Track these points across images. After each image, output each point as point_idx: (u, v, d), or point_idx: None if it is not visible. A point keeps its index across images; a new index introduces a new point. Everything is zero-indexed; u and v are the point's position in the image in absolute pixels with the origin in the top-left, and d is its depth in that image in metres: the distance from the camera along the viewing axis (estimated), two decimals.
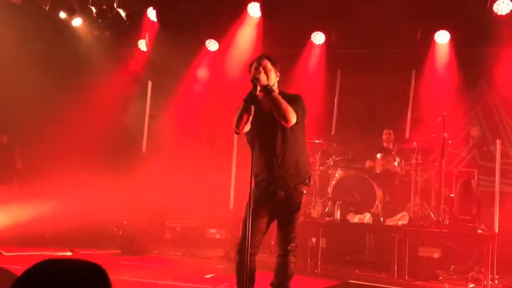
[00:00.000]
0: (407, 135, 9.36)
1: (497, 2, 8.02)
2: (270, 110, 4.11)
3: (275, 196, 4.20)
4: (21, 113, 9.08)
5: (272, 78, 4.19)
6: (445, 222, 7.40)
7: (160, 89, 10.08)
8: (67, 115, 8.95)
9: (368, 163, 8.39)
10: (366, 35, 8.76)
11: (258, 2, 8.89)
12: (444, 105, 8.26)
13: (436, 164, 8.05)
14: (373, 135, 8.83)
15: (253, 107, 4.02)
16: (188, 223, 9.39)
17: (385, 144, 8.67)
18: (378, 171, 8.20)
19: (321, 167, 8.44)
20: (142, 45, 9.87)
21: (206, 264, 7.65)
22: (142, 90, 10.18)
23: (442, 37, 8.83)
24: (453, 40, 8.80)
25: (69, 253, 7.59)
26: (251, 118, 4.05)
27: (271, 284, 4.28)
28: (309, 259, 7.27)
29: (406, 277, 7.00)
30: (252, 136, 4.12)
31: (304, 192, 4.26)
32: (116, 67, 9.64)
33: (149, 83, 10.21)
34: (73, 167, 8.42)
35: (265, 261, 6.08)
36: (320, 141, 8.23)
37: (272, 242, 6.89)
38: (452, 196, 7.54)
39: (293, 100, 4.16)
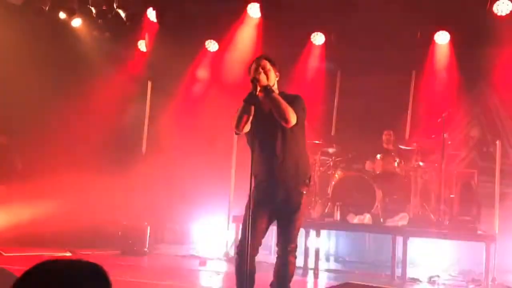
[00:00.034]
0: (407, 136, 9.36)
1: (497, 2, 8.02)
2: (270, 111, 4.11)
3: (275, 197, 4.19)
4: (20, 114, 9.07)
5: (271, 78, 4.18)
6: (445, 223, 7.40)
7: (160, 89, 10.08)
8: (67, 115, 8.95)
9: (368, 164, 8.39)
10: (366, 35, 8.75)
11: (258, 2, 8.88)
12: (444, 105, 8.26)
13: (436, 165, 8.05)
14: (373, 136, 8.83)
15: (253, 108, 4.02)
16: (187, 224, 9.39)
17: (385, 145, 8.67)
18: (378, 172, 8.20)
19: (321, 168, 8.44)
20: (142, 45, 9.87)
21: (206, 264, 7.64)
22: (142, 90, 10.17)
23: (442, 38, 8.83)
24: (453, 40, 8.79)
25: (68, 254, 7.59)
26: (251, 118, 4.04)
27: (271, 285, 4.27)
28: (309, 259, 7.27)
29: (406, 277, 7.00)
30: (252, 137, 4.12)
31: (304, 192, 4.25)
32: (115, 68, 9.63)
33: (149, 84, 10.20)
34: (73, 168, 8.41)
35: (265, 262, 6.07)
36: (320, 142, 8.23)
37: (272, 243, 6.89)
38: (452, 197, 7.55)
39: (293, 100, 4.16)
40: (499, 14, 8.03)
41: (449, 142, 8.07)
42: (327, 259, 8.47)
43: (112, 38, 9.82)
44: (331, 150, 8.42)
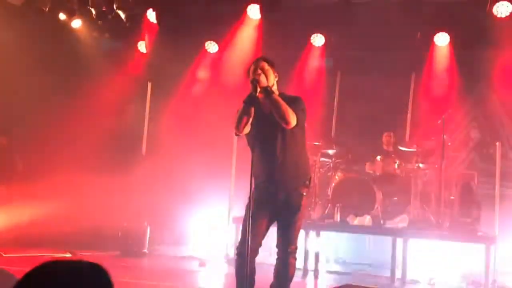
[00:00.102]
0: (407, 137, 9.36)
1: (496, 4, 8.01)
2: (270, 112, 4.11)
3: (275, 198, 4.19)
4: (21, 115, 9.07)
5: (271, 79, 4.19)
6: (445, 225, 7.40)
7: (160, 90, 10.07)
8: (67, 116, 8.94)
9: (368, 166, 8.39)
10: (365, 37, 8.76)
11: (258, 4, 8.88)
12: (444, 107, 8.26)
13: (436, 166, 8.04)
14: (373, 138, 8.83)
15: (253, 109, 4.02)
16: (187, 225, 9.38)
17: (385, 147, 8.67)
18: (378, 174, 8.20)
19: (321, 169, 8.44)
20: (142, 46, 9.86)
21: (206, 266, 7.63)
22: (142, 91, 10.17)
23: (442, 40, 8.82)
24: (453, 42, 8.79)
25: (68, 255, 7.58)
26: (251, 119, 4.04)
27: (271, 286, 4.27)
28: (309, 261, 7.26)
29: (406, 279, 6.99)
30: (252, 138, 4.12)
31: (304, 194, 4.25)
32: (115, 69, 9.62)
33: (149, 85, 10.20)
34: (73, 169, 8.41)
35: (265, 263, 6.07)
36: (320, 143, 8.22)
37: (272, 244, 6.88)
38: (452, 199, 7.55)
39: (293, 101, 4.16)
40: (498, 15, 8.02)
41: (449, 144, 8.06)
42: (327, 261, 8.46)
43: (112, 39, 9.82)
44: (331, 152, 8.42)
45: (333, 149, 8.42)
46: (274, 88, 4.22)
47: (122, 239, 8.40)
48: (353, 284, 6.69)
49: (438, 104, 8.72)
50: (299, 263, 4.73)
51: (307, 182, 4.28)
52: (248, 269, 3.87)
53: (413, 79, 9.58)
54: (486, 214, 7.41)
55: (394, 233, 7.30)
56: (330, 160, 8.47)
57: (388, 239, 7.37)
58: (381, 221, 7.66)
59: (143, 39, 9.77)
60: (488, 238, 6.95)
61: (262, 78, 4.09)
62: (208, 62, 10.01)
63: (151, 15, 9.26)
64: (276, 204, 4.19)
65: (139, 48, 9.89)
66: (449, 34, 8.72)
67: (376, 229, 7.66)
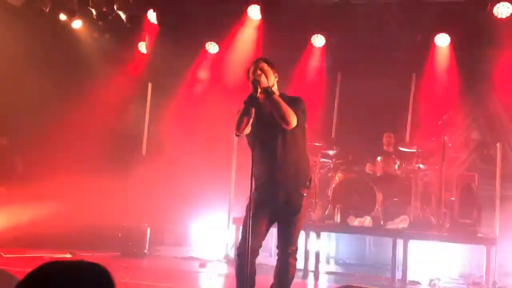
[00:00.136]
0: (407, 138, 9.35)
1: (497, 5, 8.02)
2: (271, 113, 4.10)
3: (275, 199, 4.18)
4: (21, 115, 9.06)
5: (271, 79, 4.19)
6: (445, 226, 7.39)
7: (160, 91, 10.07)
8: (67, 117, 8.94)
9: (368, 166, 8.38)
10: (366, 38, 8.75)
11: (258, 4, 8.88)
12: (445, 108, 8.25)
13: (436, 167, 8.03)
14: (374, 138, 8.82)
15: (253, 110, 4.02)
16: (188, 226, 9.38)
17: (385, 147, 8.66)
18: (378, 174, 8.19)
19: (321, 170, 8.43)
20: (142, 47, 9.86)
21: (206, 266, 7.63)
22: (142, 92, 10.17)
23: (442, 40, 8.82)
24: (453, 43, 8.79)
25: (68, 255, 7.57)
26: (251, 120, 4.04)
27: (271, 287, 4.26)
28: (309, 262, 7.26)
29: (407, 280, 6.99)
30: (252, 138, 4.12)
31: (304, 194, 4.25)
32: (116, 69, 9.62)
33: (149, 86, 10.20)
34: (73, 169, 8.40)
35: (265, 264, 6.06)
36: (320, 144, 8.22)
37: (273, 245, 6.88)
38: (453, 200, 7.54)
39: (294, 102, 4.16)
40: (499, 16, 8.03)
41: (450, 145, 8.06)
42: (328, 262, 8.46)
43: (113, 39, 9.82)
44: (331, 152, 8.42)
45: (333, 149, 8.41)
46: (274, 88, 4.21)
47: (122, 239, 8.40)
48: (354, 285, 6.69)
49: (438, 105, 8.71)
50: (299, 264, 4.72)
51: (308, 183, 4.28)
52: (249, 270, 3.86)
53: (413, 80, 9.57)
54: (487, 215, 7.41)
55: (394, 234, 7.30)
56: (331, 161, 8.46)
57: (389, 240, 7.37)
58: (382, 222, 7.66)
59: (144, 40, 9.77)
60: (489, 240, 6.95)
61: (263, 79, 4.09)
62: (209, 63, 10.01)
63: (151, 15, 9.26)
64: (276, 205, 4.19)
65: (140, 48, 9.89)
66: (449, 34, 8.72)
67: (376, 230, 7.66)
